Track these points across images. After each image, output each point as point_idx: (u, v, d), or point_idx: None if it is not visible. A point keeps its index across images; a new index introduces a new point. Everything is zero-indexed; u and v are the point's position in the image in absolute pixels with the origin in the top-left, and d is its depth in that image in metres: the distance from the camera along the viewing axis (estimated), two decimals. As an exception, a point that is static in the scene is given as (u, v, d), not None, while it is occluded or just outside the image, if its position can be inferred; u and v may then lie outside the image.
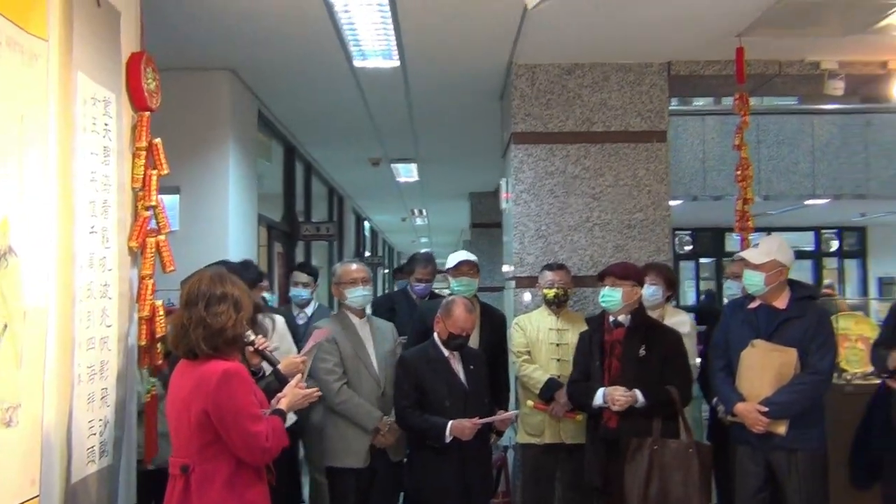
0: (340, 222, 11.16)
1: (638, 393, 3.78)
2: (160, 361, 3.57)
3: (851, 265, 15.83)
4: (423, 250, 5.92)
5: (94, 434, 3.11)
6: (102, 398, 3.19)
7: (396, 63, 5.18)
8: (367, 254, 15.23)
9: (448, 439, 3.67)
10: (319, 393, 3.06)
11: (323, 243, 10.22)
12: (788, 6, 4.22)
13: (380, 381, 4.01)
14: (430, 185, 10.42)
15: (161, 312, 3.56)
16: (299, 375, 3.01)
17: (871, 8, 4.31)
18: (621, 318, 3.94)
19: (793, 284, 3.84)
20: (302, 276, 5.28)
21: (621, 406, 3.77)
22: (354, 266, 4.20)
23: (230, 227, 5.28)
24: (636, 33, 4.74)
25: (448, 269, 4.58)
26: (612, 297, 3.93)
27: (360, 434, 3.90)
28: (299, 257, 8.27)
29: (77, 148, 2.98)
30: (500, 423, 4.08)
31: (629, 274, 4.00)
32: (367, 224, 15.21)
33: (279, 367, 3.02)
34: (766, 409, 3.65)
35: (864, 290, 15.00)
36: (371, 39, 4.75)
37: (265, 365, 3.08)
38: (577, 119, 5.20)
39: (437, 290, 5.24)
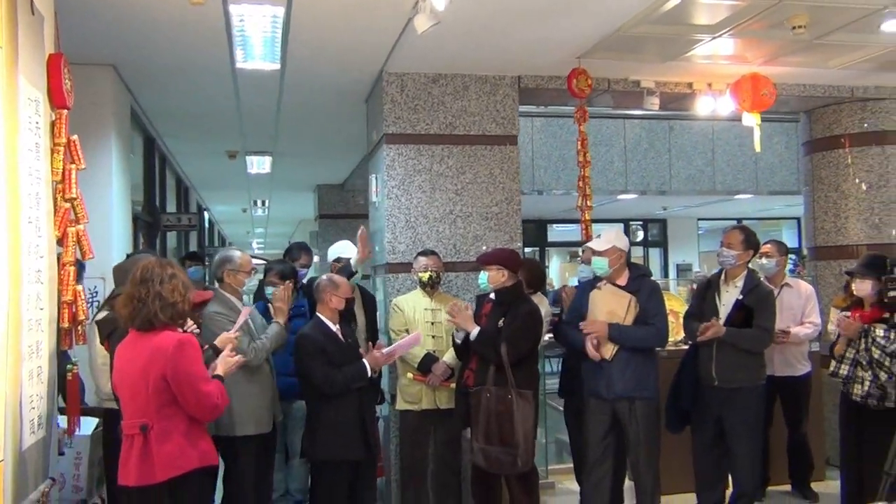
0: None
1: (475, 330, 4.50)
2: (82, 342, 3.85)
3: (654, 253, 17.67)
4: (298, 241, 6.39)
5: (34, 408, 3.37)
6: (38, 375, 3.45)
7: (277, 66, 5.58)
8: (207, 244, 15.17)
9: (370, 373, 4.37)
10: (246, 357, 3.57)
11: (171, 234, 10.26)
12: (619, 38, 5.10)
13: None
14: (279, 177, 10.70)
15: (83, 297, 3.84)
16: (230, 346, 3.45)
17: (682, 42, 5.28)
18: (492, 295, 4.67)
19: (631, 266, 4.74)
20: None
21: (455, 319, 4.55)
22: (248, 256, 4.63)
23: (113, 221, 5.44)
24: (492, 51, 5.41)
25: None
26: (482, 278, 4.67)
27: (263, 400, 4.35)
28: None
29: (21, 145, 3.24)
30: (406, 346, 4.71)
31: (490, 260, 4.71)
32: (206, 215, 15.13)
33: (216, 342, 3.46)
34: (608, 325, 4.50)
35: (666, 275, 16.84)
36: (259, 45, 5.14)
37: None
38: (441, 123, 5.84)
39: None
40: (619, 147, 11.78)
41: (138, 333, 3.13)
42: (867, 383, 4.60)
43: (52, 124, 3.79)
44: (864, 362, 4.60)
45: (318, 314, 4.50)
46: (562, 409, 5.60)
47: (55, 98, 3.78)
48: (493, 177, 5.90)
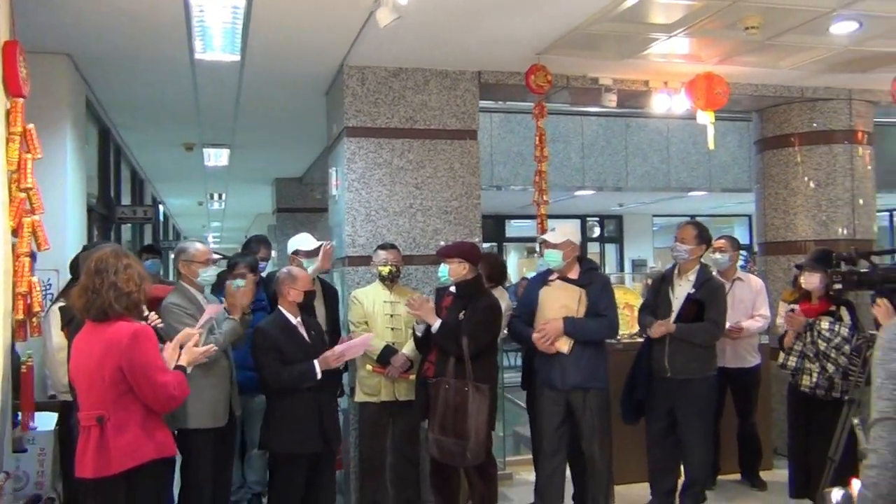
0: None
1: (437, 323, 4.52)
2: (37, 334, 3.80)
3: (611, 249, 17.92)
4: (258, 234, 6.35)
5: (-14, 401, 3.33)
6: (-9, 368, 3.40)
7: (237, 57, 5.54)
8: (162, 237, 14.95)
9: (319, 375, 4.26)
10: (215, 348, 3.56)
11: (126, 227, 10.12)
12: (577, 35, 5.18)
13: None
14: (237, 170, 10.61)
15: (38, 289, 3.78)
16: (196, 337, 3.44)
17: (639, 40, 5.38)
18: (452, 288, 4.71)
19: (581, 260, 4.83)
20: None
21: (417, 312, 4.55)
22: (207, 247, 4.60)
23: (68, 213, 5.34)
24: (453, 46, 5.45)
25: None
26: (442, 271, 4.71)
27: (219, 394, 4.33)
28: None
29: (-27, 134, 3.19)
30: (356, 348, 4.58)
31: (452, 253, 4.74)
32: (161, 208, 14.92)
33: (178, 337, 3.44)
34: (564, 319, 4.56)
35: (621, 270, 17.09)
36: (219, 36, 5.10)
37: None
38: (401, 117, 5.85)
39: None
40: (576, 144, 11.90)
41: (94, 324, 3.11)
42: (815, 375, 4.76)
43: (8, 113, 3.73)
44: (811, 354, 4.76)
45: (279, 307, 4.50)
46: (518, 401, 5.68)
47: (11, 86, 3.71)
48: (453, 171, 5.94)
